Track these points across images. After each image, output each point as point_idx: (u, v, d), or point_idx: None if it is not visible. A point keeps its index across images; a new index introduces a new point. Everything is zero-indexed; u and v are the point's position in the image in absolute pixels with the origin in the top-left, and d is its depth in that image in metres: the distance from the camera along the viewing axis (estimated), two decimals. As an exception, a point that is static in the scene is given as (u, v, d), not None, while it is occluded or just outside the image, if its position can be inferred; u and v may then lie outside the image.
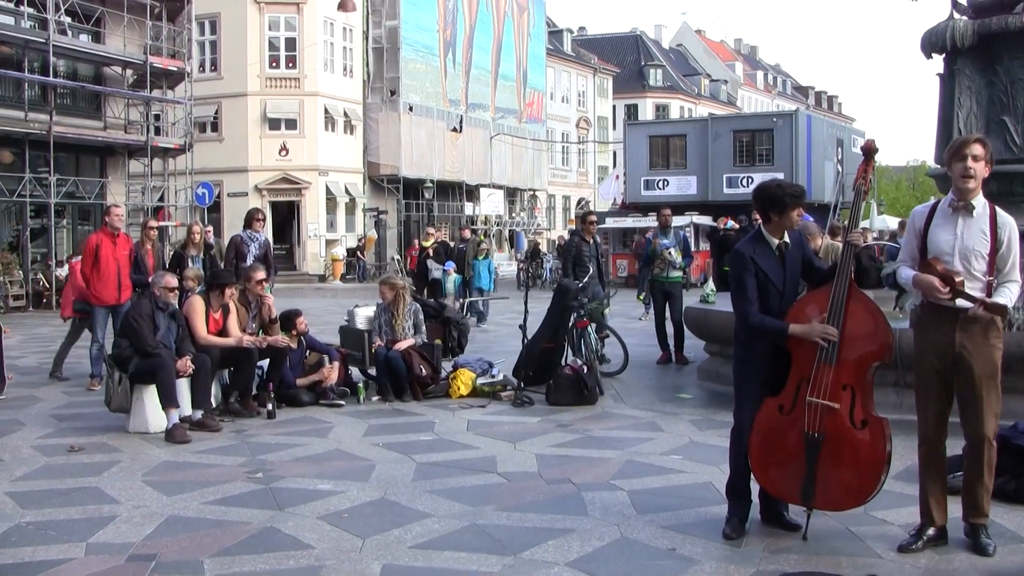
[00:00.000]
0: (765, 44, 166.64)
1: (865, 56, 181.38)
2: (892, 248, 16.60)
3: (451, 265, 21.19)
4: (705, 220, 35.85)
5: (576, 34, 75.30)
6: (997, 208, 5.54)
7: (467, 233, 23.92)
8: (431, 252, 21.87)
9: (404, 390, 10.93)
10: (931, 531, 5.62)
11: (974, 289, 5.38)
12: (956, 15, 10.87)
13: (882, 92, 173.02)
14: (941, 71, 11.07)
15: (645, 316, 19.12)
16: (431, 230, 24.64)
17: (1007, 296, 5.42)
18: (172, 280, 9.79)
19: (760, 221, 5.96)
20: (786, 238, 5.84)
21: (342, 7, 36.57)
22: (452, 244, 24.10)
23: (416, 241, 28.17)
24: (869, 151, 5.97)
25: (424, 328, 11.59)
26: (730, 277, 5.90)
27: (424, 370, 11.03)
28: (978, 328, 5.41)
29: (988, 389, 5.46)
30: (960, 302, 5.35)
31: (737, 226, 21.13)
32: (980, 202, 5.51)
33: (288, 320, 10.92)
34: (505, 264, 36.60)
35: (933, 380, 5.57)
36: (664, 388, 11.83)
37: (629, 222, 36.59)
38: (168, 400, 9.01)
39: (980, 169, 5.46)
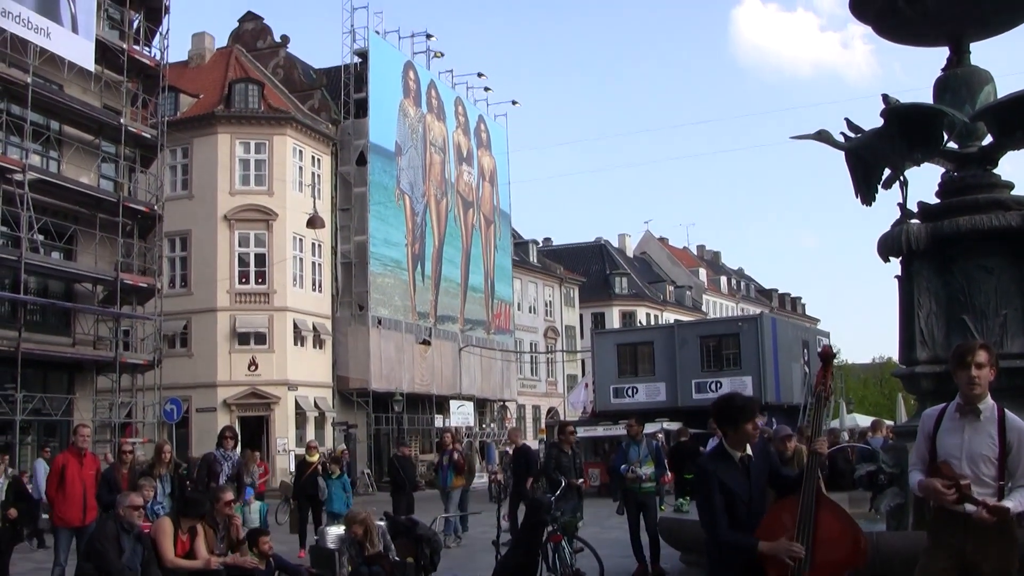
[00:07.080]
0: (728, 249, 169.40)
1: (825, 257, 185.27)
2: (863, 449, 16.51)
3: (250, 492, 16.65)
4: (676, 426, 35.77)
5: (542, 245, 76.64)
6: (1007, 412, 5.49)
7: (406, 451, 22.28)
8: (320, 468, 19.20)
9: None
10: None
11: (984, 494, 5.30)
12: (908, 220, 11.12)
13: (844, 291, 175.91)
14: (899, 274, 11.26)
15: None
16: (313, 443, 22.40)
17: (1016, 500, 5.30)
18: (137, 499, 9.66)
19: (721, 436, 5.95)
20: (748, 451, 5.80)
21: (311, 224, 37.18)
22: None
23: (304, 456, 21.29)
24: (826, 357, 6.03)
25: (393, 547, 11.29)
26: (696, 494, 5.85)
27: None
28: (992, 533, 5.28)
29: None
30: (967, 506, 5.28)
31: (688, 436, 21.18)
32: (987, 405, 5.47)
33: (251, 538, 10.64)
34: (476, 477, 36.08)
35: None
36: (642, 601, 11.59)
37: (600, 431, 36.49)
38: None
39: (985, 375, 5.43)
